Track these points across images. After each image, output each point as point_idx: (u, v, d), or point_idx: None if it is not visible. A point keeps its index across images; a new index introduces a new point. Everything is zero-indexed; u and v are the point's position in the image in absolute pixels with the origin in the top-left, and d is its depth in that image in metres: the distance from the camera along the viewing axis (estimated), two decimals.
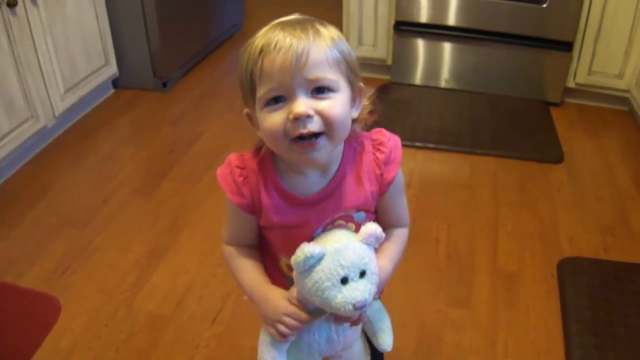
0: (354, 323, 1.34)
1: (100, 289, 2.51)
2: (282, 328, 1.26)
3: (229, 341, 2.27)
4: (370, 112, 1.30)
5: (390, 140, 1.31)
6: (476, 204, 3.04)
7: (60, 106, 3.42)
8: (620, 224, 2.92)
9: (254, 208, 1.28)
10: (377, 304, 1.47)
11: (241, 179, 1.27)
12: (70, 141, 3.55)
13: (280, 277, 1.37)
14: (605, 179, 3.27)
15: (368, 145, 1.30)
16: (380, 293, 1.53)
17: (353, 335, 1.41)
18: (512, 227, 2.87)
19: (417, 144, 3.50)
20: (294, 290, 1.29)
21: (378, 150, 1.29)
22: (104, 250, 2.72)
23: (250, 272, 1.34)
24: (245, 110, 1.25)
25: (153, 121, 3.79)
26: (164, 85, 4.11)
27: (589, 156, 3.50)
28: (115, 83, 4.10)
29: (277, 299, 1.28)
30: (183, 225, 2.86)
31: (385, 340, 1.44)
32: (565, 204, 3.05)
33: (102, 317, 2.37)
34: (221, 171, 1.29)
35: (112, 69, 3.91)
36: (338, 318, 1.31)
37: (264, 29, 1.17)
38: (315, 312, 1.29)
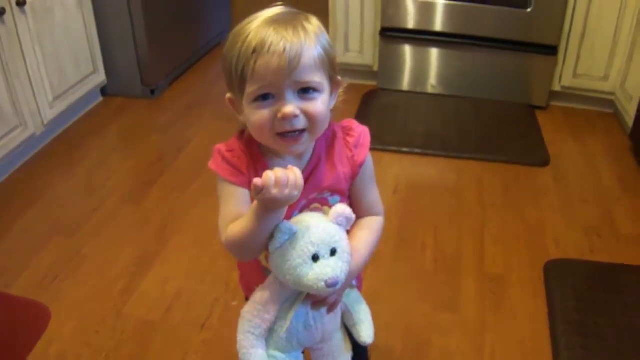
0: (330, 308, 1.38)
1: (89, 296, 2.51)
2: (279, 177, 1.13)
3: (218, 347, 2.28)
4: (343, 101, 1.38)
5: (359, 127, 1.41)
6: (462, 208, 3.06)
7: (49, 114, 3.42)
8: (606, 225, 2.95)
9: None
10: (355, 294, 1.50)
11: (235, 159, 1.32)
12: (59, 149, 3.55)
13: (259, 270, 1.40)
14: (591, 181, 3.29)
15: (339, 132, 1.39)
16: (359, 284, 1.57)
17: (332, 325, 1.43)
18: (499, 231, 2.89)
19: (404, 149, 3.52)
20: (270, 277, 1.34)
21: (348, 135, 1.39)
22: (93, 258, 2.72)
23: (243, 217, 1.26)
24: (228, 96, 1.32)
25: (141, 129, 3.80)
26: (152, 92, 4.12)
27: (574, 159, 3.53)
28: (103, 91, 4.10)
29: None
30: (172, 232, 2.87)
31: (366, 332, 1.47)
32: (552, 206, 3.07)
33: (91, 324, 2.37)
34: (213, 162, 1.33)
35: (101, 77, 3.92)
36: (315, 303, 1.35)
37: (255, 24, 1.22)
38: (292, 298, 1.33)
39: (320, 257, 1.23)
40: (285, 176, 1.13)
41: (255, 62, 1.19)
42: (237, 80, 1.23)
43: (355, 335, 1.48)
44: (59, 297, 2.50)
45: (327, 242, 1.24)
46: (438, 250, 2.77)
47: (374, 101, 4.09)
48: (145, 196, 3.13)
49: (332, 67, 1.28)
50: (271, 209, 1.18)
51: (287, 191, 1.13)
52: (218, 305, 2.46)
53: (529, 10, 3.75)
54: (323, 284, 1.22)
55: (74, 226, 2.91)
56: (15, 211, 3.01)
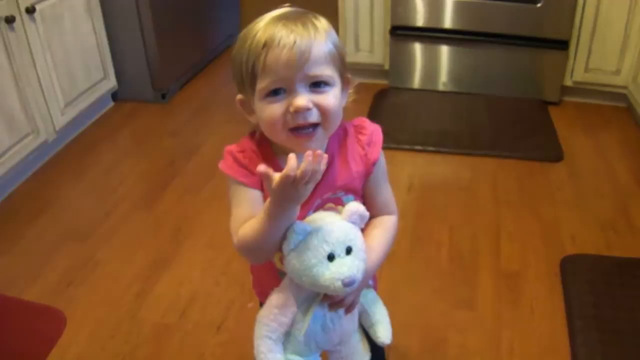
0: (348, 310, 1.37)
1: (104, 301, 2.51)
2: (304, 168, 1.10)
3: (234, 349, 2.27)
4: (354, 101, 1.37)
5: (371, 125, 1.40)
6: (477, 205, 3.05)
7: (61, 120, 3.43)
8: (622, 219, 2.93)
9: (263, 185, 1.29)
10: (372, 294, 1.49)
11: (247, 160, 1.30)
12: (71, 155, 3.56)
13: (274, 273, 1.38)
14: (605, 176, 3.27)
15: (351, 130, 1.38)
16: (375, 284, 1.56)
17: (350, 326, 1.42)
18: (514, 227, 2.88)
19: (417, 147, 3.51)
20: (285, 280, 1.33)
21: (360, 133, 1.38)
22: (107, 263, 2.72)
23: (255, 218, 1.25)
24: (239, 97, 1.31)
25: (153, 133, 3.80)
26: (163, 97, 4.12)
27: (588, 153, 3.51)
28: (114, 96, 4.11)
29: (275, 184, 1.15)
30: (185, 235, 2.87)
31: (384, 333, 1.46)
32: (566, 202, 3.05)
33: (106, 329, 2.37)
34: (224, 163, 1.32)
35: (111, 82, 3.93)
36: (332, 304, 1.33)
37: (263, 22, 1.22)
38: (309, 300, 1.32)
39: (336, 256, 1.21)
40: (309, 168, 1.11)
41: (265, 57, 1.18)
42: (248, 77, 1.22)
43: (373, 336, 1.47)
44: (74, 303, 2.50)
45: (342, 240, 1.22)
46: (453, 248, 2.76)
47: (386, 100, 4.08)
48: (158, 200, 3.13)
49: (342, 63, 1.27)
50: (284, 204, 1.16)
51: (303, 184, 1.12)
52: (234, 307, 2.45)
53: (539, 5, 3.73)
54: (340, 283, 1.21)
55: (87, 231, 2.91)
56: (29, 218, 3.02)
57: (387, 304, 1.52)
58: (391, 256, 1.47)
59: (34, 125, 3.21)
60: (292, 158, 1.09)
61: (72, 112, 3.54)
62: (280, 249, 1.25)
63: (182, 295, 2.52)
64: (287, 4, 1.29)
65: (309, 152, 1.09)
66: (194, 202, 3.10)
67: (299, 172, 1.09)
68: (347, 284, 1.21)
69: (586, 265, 2.61)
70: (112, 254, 2.77)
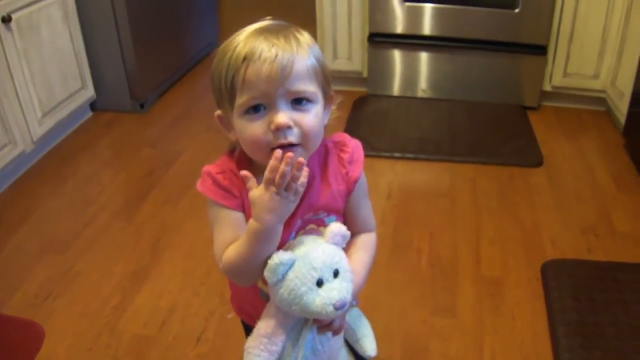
0: (336, 332, 1.35)
1: (83, 313, 2.49)
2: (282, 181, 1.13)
3: None
4: (336, 118, 1.34)
5: (352, 142, 1.36)
6: (457, 211, 3.04)
7: (38, 131, 3.40)
8: (602, 223, 2.94)
9: (244, 206, 1.27)
10: (356, 311, 1.49)
11: (226, 181, 1.26)
12: (49, 166, 3.53)
13: (254, 291, 1.36)
14: (585, 180, 3.28)
15: (332, 147, 1.34)
16: (356, 301, 1.54)
17: (337, 345, 1.42)
18: (494, 233, 2.88)
19: (396, 154, 3.50)
20: (270, 307, 1.30)
21: (342, 151, 1.34)
22: (86, 274, 2.69)
23: (238, 241, 1.24)
24: (217, 113, 1.27)
25: (132, 143, 3.78)
26: (142, 106, 4.10)
27: (568, 158, 3.52)
28: (92, 106, 4.08)
29: (254, 201, 1.16)
30: (164, 246, 2.85)
31: (370, 346, 1.47)
32: (547, 206, 3.06)
33: (85, 342, 2.35)
34: (202, 184, 1.28)
35: (89, 92, 3.90)
36: (321, 327, 1.31)
37: (244, 35, 1.18)
38: (298, 326, 1.30)
39: (325, 281, 1.20)
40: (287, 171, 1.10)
41: (245, 71, 1.14)
42: (227, 92, 1.18)
43: (360, 351, 1.47)
44: (53, 315, 2.47)
45: (329, 264, 1.21)
46: (434, 255, 2.75)
47: (365, 107, 4.08)
48: (137, 210, 3.11)
49: (325, 79, 1.24)
50: (266, 218, 1.14)
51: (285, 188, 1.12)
52: (213, 318, 2.43)
53: (516, 10, 3.75)
54: (331, 307, 1.19)
55: (66, 243, 2.88)
56: (7, 229, 2.99)
57: (367, 312, 1.52)
58: None
59: (11, 136, 3.18)
60: (275, 155, 1.10)
61: (49, 123, 3.51)
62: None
63: (161, 307, 2.50)
64: (269, 17, 1.25)
65: (286, 155, 1.09)
66: (173, 213, 3.08)
67: (277, 174, 1.09)
68: (338, 307, 1.20)
69: (567, 270, 2.61)
70: (91, 266, 2.74)
